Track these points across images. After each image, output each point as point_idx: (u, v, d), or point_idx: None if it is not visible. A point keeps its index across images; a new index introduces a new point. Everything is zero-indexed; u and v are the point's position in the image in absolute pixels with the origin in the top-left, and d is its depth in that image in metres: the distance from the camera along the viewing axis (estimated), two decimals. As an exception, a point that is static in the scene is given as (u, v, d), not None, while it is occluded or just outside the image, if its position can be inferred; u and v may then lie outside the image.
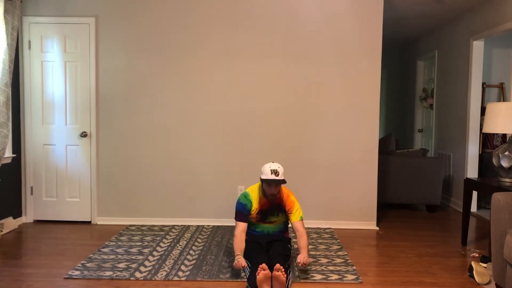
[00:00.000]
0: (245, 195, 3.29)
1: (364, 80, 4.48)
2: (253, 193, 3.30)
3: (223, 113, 4.53)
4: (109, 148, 4.56)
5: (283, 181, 3.16)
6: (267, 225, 3.31)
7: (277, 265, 2.72)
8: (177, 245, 3.87)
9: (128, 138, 4.56)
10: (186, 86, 4.52)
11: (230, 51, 4.49)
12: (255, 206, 3.26)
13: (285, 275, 2.75)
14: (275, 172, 3.12)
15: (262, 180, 3.17)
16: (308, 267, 3.31)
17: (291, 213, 3.25)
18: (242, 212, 3.22)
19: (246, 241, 3.31)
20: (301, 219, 3.22)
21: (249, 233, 3.36)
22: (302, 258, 3.02)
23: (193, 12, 4.47)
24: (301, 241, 3.16)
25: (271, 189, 3.17)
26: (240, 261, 2.96)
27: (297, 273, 3.20)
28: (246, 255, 3.16)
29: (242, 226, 3.18)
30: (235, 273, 3.18)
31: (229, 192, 4.57)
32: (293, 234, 4.22)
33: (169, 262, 3.42)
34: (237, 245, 3.10)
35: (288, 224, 3.46)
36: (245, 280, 3.04)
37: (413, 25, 6.36)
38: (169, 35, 4.49)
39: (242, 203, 3.25)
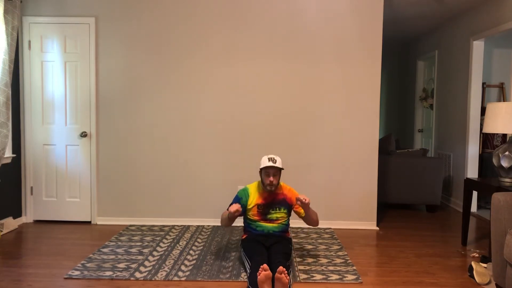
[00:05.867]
0: (244, 189, 3.40)
1: (364, 80, 4.48)
2: (252, 188, 3.39)
3: (223, 113, 4.53)
4: (109, 148, 4.56)
5: (280, 168, 3.25)
6: (268, 224, 3.31)
7: (280, 268, 2.69)
8: (177, 245, 3.87)
9: (128, 138, 4.56)
10: (186, 86, 4.52)
11: (230, 51, 4.49)
12: (252, 199, 3.30)
13: (288, 277, 2.74)
14: (272, 159, 3.23)
15: (261, 170, 3.28)
16: (308, 267, 3.31)
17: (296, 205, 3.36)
18: (235, 202, 3.31)
19: (246, 239, 3.31)
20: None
21: (249, 231, 3.36)
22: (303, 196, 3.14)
23: (193, 12, 4.47)
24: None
25: (270, 177, 3.23)
26: (235, 204, 3.13)
27: (297, 273, 3.20)
28: (246, 254, 3.17)
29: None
30: (235, 273, 3.18)
31: (229, 192, 4.56)
32: (293, 234, 4.22)
33: (169, 262, 3.42)
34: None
35: (289, 224, 3.46)
36: (246, 280, 3.04)
37: (413, 25, 6.36)
38: (169, 35, 4.49)
39: (238, 196, 3.38)
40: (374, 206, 4.56)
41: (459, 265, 3.45)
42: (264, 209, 3.29)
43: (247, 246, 3.22)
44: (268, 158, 3.25)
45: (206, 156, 4.56)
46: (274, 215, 3.30)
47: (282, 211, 3.32)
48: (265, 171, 3.26)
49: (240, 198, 3.33)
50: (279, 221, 3.33)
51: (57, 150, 4.57)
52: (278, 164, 3.24)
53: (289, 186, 3.45)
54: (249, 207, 3.31)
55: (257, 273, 2.71)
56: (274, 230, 3.33)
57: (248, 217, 3.36)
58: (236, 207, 3.10)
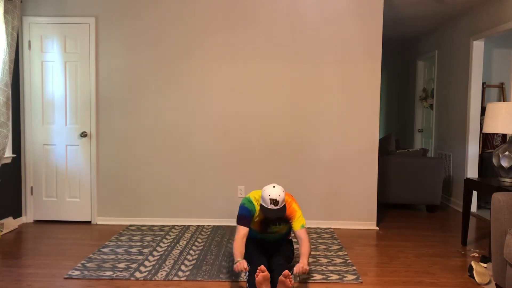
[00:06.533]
0: (250, 201, 3.13)
1: (364, 80, 4.48)
2: (255, 201, 3.16)
3: (223, 112, 4.53)
4: (109, 148, 4.56)
5: (283, 212, 2.99)
6: (269, 235, 3.26)
7: (286, 272, 2.66)
8: (177, 245, 3.87)
9: (128, 138, 4.56)
10: (186, 86, 4.52)
11: (230, 51, 4.49)
12: (257, 214, 3.15)
13: (292, 281, 2.72)
14: (274, 202, 2.95)
15: (261, 207, 3.03)
16: (308, 268, 3.29)
17: (292, 221, 3.10)
18: (245, 216, 3.06)
19: (246, 242, 3.28)
20: (302, 227, 3.06)
21: (249, 236, 3.33)
22: (299, 267, 2.79)
23: (193, 12, 4.47)
24: (303, 247, 2.98)
25: (269, 218, 3.04)
26: (242, 263, 2.78)
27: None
28: (246, 257, 3.14)
29: (243, 231, 3.01)
30: (235, 274, 3.18)
31: (229, 192, 4.57)
32: (293, 235, 4.22)
33: (169, 262, 3.42)
34: (237, 250, 2.92)
35: (290, 231, 3.40)
36: (245, 280, 3.04)
37: (413, 25, 6.36)
38: (169, 35, 4.49)
39: (248, 208, 3.09)
40: (374, 206, 4.56)
41: (459, 265, 3.45)
42: (266, 224, 3.20)
43: (247, 248, 3.18)
44: (270, 200, 2.93)
45: (206, 156, 4.56)
46: (275, 229, 3.24)
47: (282, 225, 3.22)
48: (265, 213, 3.00)
49: (250, 210, 3.10)
50: (280, 232, 3.28)
51: (57, 150, 4.57)
52: (281, 203, 2.97)
53: (290, 197, 3.18)
54: (253, 220, 3.22)
55: (255, 275, 2.70)
56: (274, 238, 3.29)
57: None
58: (243, 265, 2.77)
